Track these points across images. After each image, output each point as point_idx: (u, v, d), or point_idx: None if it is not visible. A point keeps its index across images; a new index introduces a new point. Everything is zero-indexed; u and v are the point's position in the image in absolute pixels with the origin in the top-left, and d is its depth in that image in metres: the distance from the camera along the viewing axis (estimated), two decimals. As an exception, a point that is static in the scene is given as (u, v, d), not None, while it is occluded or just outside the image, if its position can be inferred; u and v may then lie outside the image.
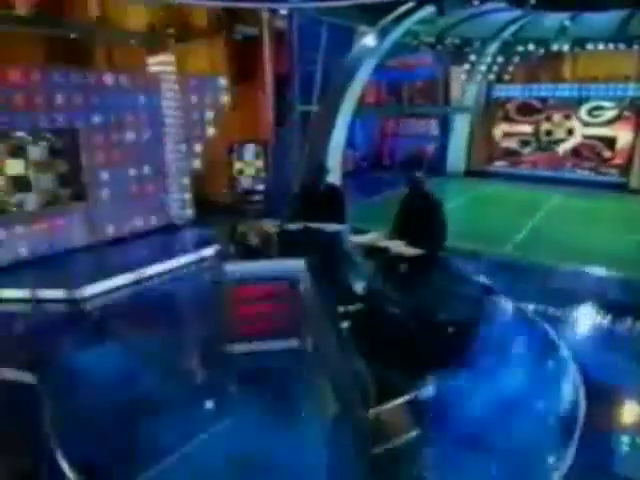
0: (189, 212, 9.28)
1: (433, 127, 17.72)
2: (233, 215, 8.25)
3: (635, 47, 12.88)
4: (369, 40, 10.26)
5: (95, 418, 3.80)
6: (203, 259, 7.62)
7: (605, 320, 5.67)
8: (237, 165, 8.97)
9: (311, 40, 10.45)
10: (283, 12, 10.00)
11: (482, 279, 3.70)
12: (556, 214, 11.31)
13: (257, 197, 9.07)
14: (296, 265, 4.46)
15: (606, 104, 14.70)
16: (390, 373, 2.46)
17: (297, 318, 4.48)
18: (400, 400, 2.28)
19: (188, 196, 9.23)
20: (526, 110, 16.27)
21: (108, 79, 7.82)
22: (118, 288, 6.59)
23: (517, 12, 12.40)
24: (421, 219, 5.06)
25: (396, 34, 9.84)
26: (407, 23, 9.69)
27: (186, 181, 9.14)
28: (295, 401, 3.88)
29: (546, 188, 14.13)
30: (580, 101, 15.17)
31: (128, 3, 8.47)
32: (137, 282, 6.78)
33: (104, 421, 3.78)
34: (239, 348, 4.59)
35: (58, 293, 6.33)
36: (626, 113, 14.32)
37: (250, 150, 9.02)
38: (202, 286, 6.44)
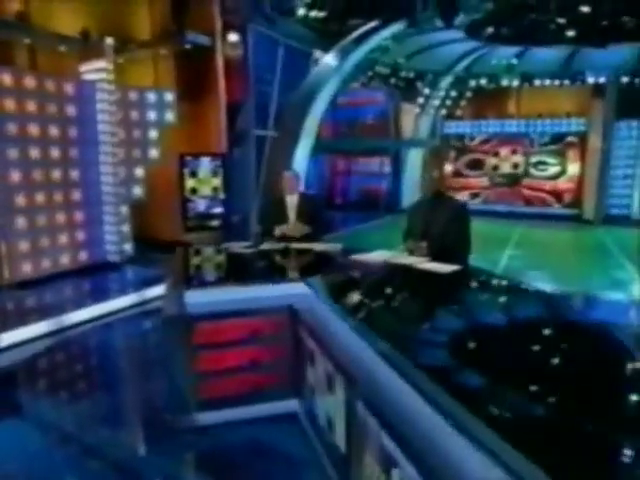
0: (128, 247, 7.60)
1: (386, 165, 17.18)
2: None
3: (578, 83, 13.10)
4: (330, 60, 9.43)
5: None
6: (145, 301, 6.00)
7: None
8: (190, 183, 7.44)
9: (267, 61, 9.50)
10: (234, 38, 9.05)
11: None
12: (526, 245, 10.72)
13: (214, 222, 7.55)
14: (294, 289, 3.08)
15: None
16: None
17: (298, 366, 3.04)
18: None
19: (127, 228, 7.58)
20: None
21: (28, 82, 6.26)
22: (32, 340, 4.81)
23: (470, 45, 12.26)
24: (443, 227, 3.90)
25: (362, 52, 9.09)
26: (375, 40, 8.99)
27: (125, 211, 7.52)
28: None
29: (503, 222, 13.73)
30: (526, 135, 15.27)
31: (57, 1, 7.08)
32: (58, 332, 5.02)
33: None
34: (206, 419, 3.05)
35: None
36: (572, 139, 14.46)
37: (205, 165, 7.55)
38: (147, 332, 4.79)
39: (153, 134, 7.72)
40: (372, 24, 9.13)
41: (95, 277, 6.85)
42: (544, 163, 15.16)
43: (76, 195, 6.96)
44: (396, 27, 8.91)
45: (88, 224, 7.12)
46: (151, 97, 7.68)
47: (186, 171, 7.42)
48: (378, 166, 17.27)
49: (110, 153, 7.20)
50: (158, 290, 6.07)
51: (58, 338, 4.89)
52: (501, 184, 15.99)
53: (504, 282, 3.11)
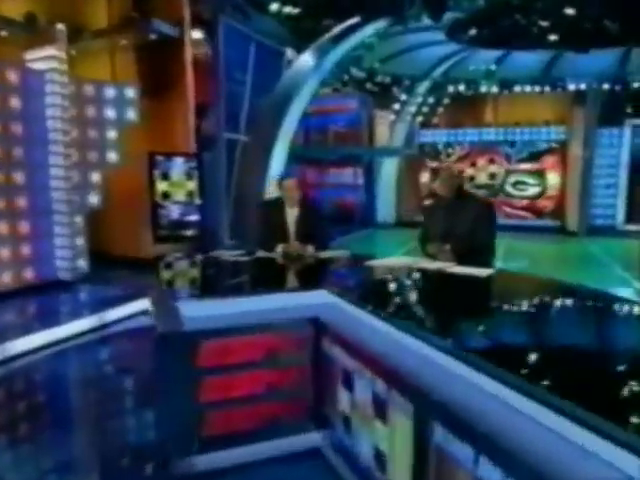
0: (82, 263, 6.99)
1: (359, 176, 17.11)
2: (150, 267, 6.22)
3: (559, 90, 13.53)
4: (307, 59, 9.25)
5: None
6: (107, 324, 5.45)
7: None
8: (161, 187, 6.90)
9: (238, 58, 9.22)
10: (198, 35, 8.77)
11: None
12: (516, 257, 10.78)
13: (189, 232, 7.02)
14: (318, 298, 2.73)
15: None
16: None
17: (325, 391, 2.68)
18: None
19: (81, 242, 6.97)
20: None
21: (-37, 68, 5.68)
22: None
23: (449, 48, 12.45)
24: (469, 227, 3.70)
25: (343, 49, 8.97)
26: (357, 37, 8.89)
27: (79, 221, 6.93)
28: None
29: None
30: (504, 144, 15.62)
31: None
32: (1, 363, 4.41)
33: None
34: (210, 461, 2.62)
35: None
36: (551, 152, 14.90)
37: (179, 166, 7.04)
38: (121, 357, 4.27)
39: (112, 134, 7.21)
40: (353, 21, 9.05)
41: (44, 298, 6.20)
42: (523, 183, 15.51)
43: (21, 202, 6.32)
44: (379, 24, 8.87)
45: (35, 236, 6.47)
46: (110, 92, 7.19)
47: (157, 173, 6.90)
48: (351, 177, 17.17)
49: (62, 154, 6.62)
50: (121, 311, 5.58)
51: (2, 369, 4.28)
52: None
53: (559, 284, 2.89)
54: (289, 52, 10.70)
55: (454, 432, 1.72)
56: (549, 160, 15.02)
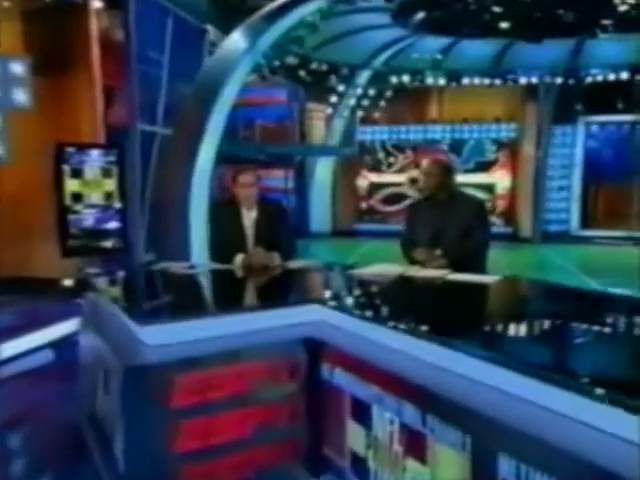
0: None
1: (290, 179, 17.02)
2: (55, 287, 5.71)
3: (509, 84, 14.31)
4: (238, 40, 9.08)
5: None
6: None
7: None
8: (71, 186, 6.27)
9: (152, 35, 8.85)
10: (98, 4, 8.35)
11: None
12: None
13: (108, 242, 6.45)
14: (309, 314, 2.57)
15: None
16: None
17: (326, 428, 2.51)
18: None
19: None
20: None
21: None
22: None
23: (394, 33, 12.79)
24: (462, 229, 3.76)
25: (281, 28, 8.90)
26: (295, 15, 8.86)
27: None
28: None
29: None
30: (452, 145, 16.24)
31: None
32: None
33: None
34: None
35: None
36: (501, 157, 15.70)
37: (95, 160, 6.46)
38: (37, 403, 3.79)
39: (-5, 121, 6.58)
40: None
41: None
42: None
43: None
44: (321, 1, 8.92)
45: None
46: (-10, 67, 6.57)
47: (66, 169, 6.31)
48: (281, 180, 17.02)
49: None
50: (22, 344, 5.07)
51: None
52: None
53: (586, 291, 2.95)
54: (212, 31, 10.46)
55: (528, 463, 1.63)
56: (498, 167, 15.72)
